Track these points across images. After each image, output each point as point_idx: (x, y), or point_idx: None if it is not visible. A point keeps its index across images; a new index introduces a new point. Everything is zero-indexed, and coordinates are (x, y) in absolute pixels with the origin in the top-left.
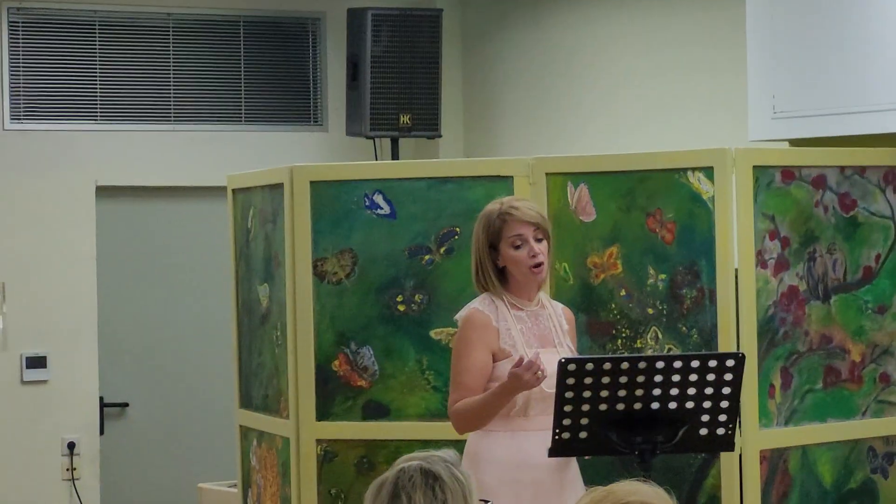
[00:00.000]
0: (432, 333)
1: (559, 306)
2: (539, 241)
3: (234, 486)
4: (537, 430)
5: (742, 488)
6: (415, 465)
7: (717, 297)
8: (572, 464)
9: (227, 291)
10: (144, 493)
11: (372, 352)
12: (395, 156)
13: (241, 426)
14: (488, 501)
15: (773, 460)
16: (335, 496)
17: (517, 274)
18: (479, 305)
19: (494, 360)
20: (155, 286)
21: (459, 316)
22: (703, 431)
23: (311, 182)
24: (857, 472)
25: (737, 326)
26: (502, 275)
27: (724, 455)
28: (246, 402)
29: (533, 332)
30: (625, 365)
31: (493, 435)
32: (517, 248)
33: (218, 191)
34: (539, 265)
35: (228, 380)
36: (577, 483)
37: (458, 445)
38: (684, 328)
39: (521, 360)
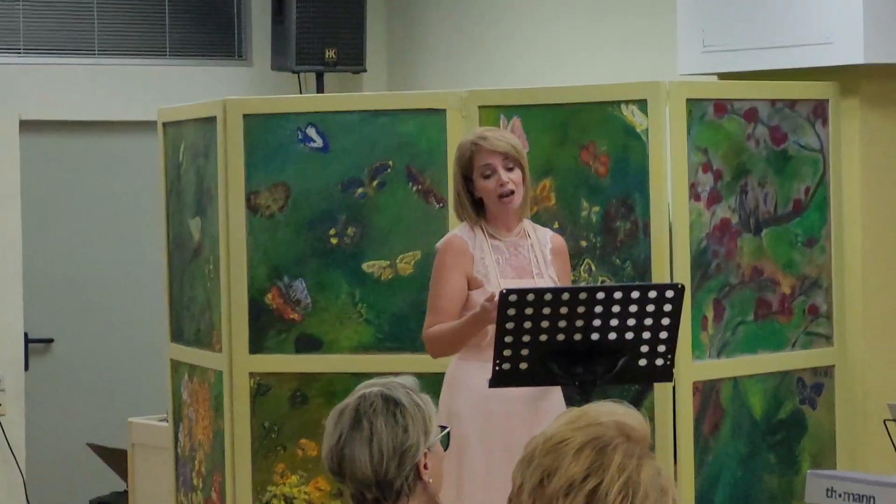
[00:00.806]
0: (365, 266)
1: (547, 235)
2: (510, 170)
3: (165, 420)
4: None
5: (675, 420)
6: (375, 391)
7: (651, 229)
8: (552, 394)
9: (156, 226)
10: (72, 428)
11: (305, 285)
12: (320, 90)
13: (171, 360)
14: (446, 427)
15: (706, 392)
16: (268, 429)
17: (489, 204)
18: (459, 231)
19: (469, 288)
20: (82, 221)
21: (440, 242)
22: (643, 362)
23: (244, 115)
24: (786, 403)
25: (670, 259)
26: (481, 206)
27: (657, 386)
28: (177, 336)
29: (510, 263)
30: (565, 296)
31: (467, 364)
32: (487, 177)
33: (143, 125)
34: (508, 194)
35: (157, 314)
36: (557, 412)
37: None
38: (618, 260)
39: (492, 295)
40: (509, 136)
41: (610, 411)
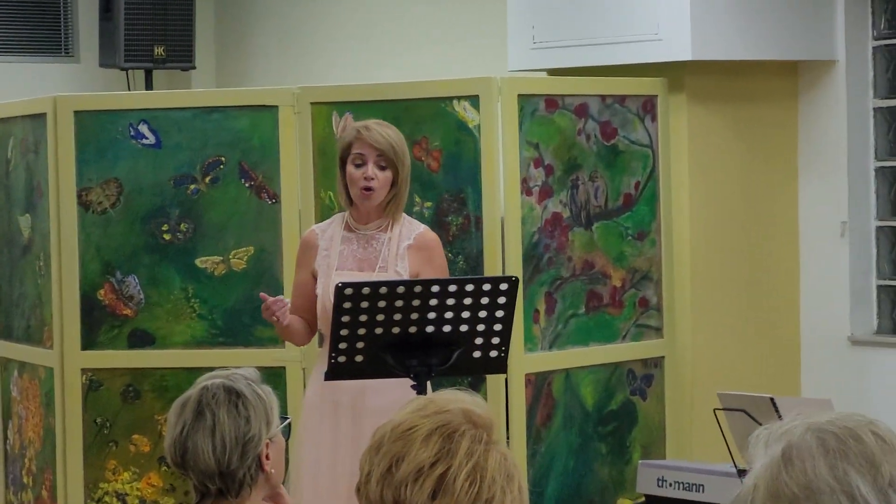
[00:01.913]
0: (198, 262)
1: (414, 232)
2: (382, 168)
3: None
4: None
5: (508, 411)
6: (217, 383)
7: (483, 223)
8: (388, 391)
9: None
10: None
11: (137, 280)
12: (148, 87)
13: (1, 357)
14: (287, 417)
15: (538, 383)
16: (100, 425)
17: (352, 191)
18: (318, 223)
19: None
20: None
21: None
22: (477, 354)
23: (76, 112)
24: (617, 394)
25: (502, 253)
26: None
27: (490, 378)
28: (6, 333)
29: (355, 255)
30: (401, 289)
31: (324, 353)
32: (357, 166)
33: None
34: (369, 189)
35: None
36: (386, 409)
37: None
38: (450, 255)
39: (264, 296)
40: (393, 136)
41: (456, 399)
